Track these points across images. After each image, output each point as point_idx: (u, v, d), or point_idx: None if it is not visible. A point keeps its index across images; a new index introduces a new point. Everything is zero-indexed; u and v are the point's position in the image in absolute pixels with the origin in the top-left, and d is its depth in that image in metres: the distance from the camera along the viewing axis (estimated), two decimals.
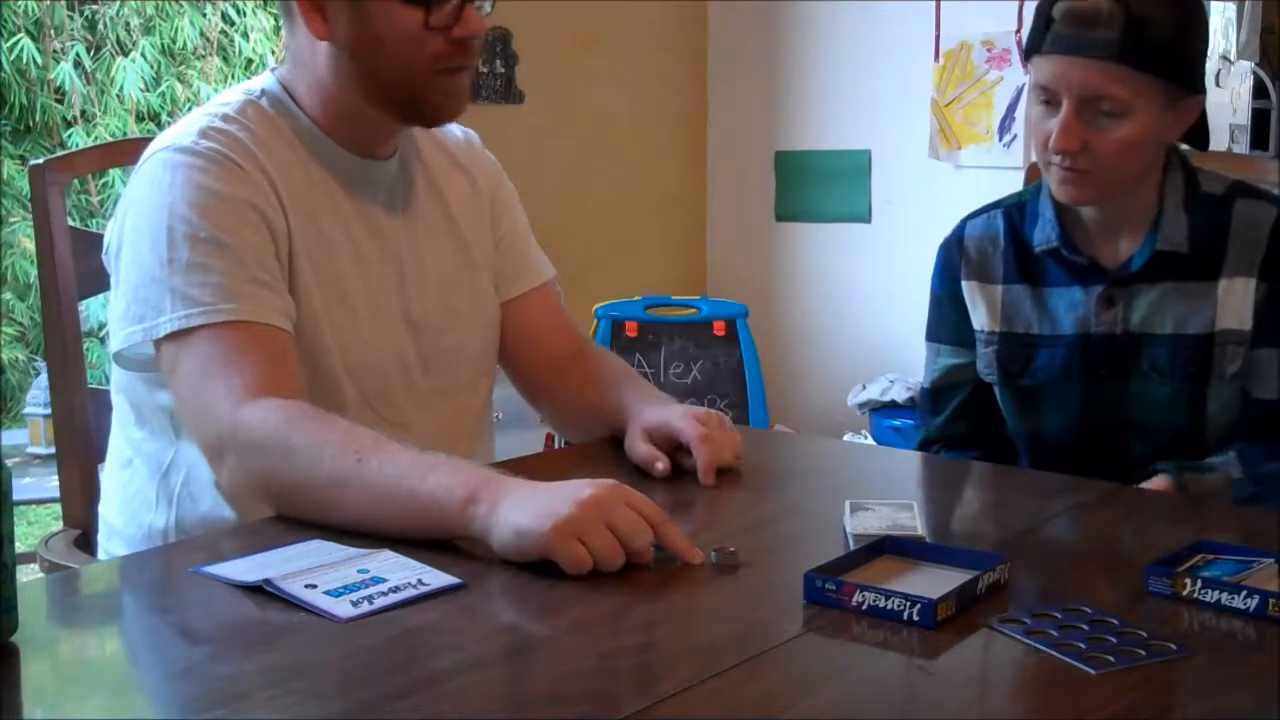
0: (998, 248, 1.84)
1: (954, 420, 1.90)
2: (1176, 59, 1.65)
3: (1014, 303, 1.82)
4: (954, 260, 1.88)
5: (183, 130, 1.52)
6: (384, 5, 1.47)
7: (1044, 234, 1.79)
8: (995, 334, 1.84)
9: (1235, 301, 1.73)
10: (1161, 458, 1.74)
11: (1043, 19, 1.68)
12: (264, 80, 1.60)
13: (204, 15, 4.81)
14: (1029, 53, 1.71)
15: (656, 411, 1.58)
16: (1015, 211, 1.84)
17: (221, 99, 1.59)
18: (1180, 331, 1.74)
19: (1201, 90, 1.71)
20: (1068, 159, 1.67)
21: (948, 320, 1.89)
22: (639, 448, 1.55)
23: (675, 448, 1.55)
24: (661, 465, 1.52)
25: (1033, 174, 2.22)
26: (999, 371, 1.84)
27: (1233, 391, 1.76)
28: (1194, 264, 1.74)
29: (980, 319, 1.85)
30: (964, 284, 1.86)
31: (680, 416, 1.55)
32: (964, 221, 1.90)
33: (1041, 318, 1.80)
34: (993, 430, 1.88)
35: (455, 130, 1.75)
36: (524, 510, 1.18)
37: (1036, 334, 1.81)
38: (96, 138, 4.54)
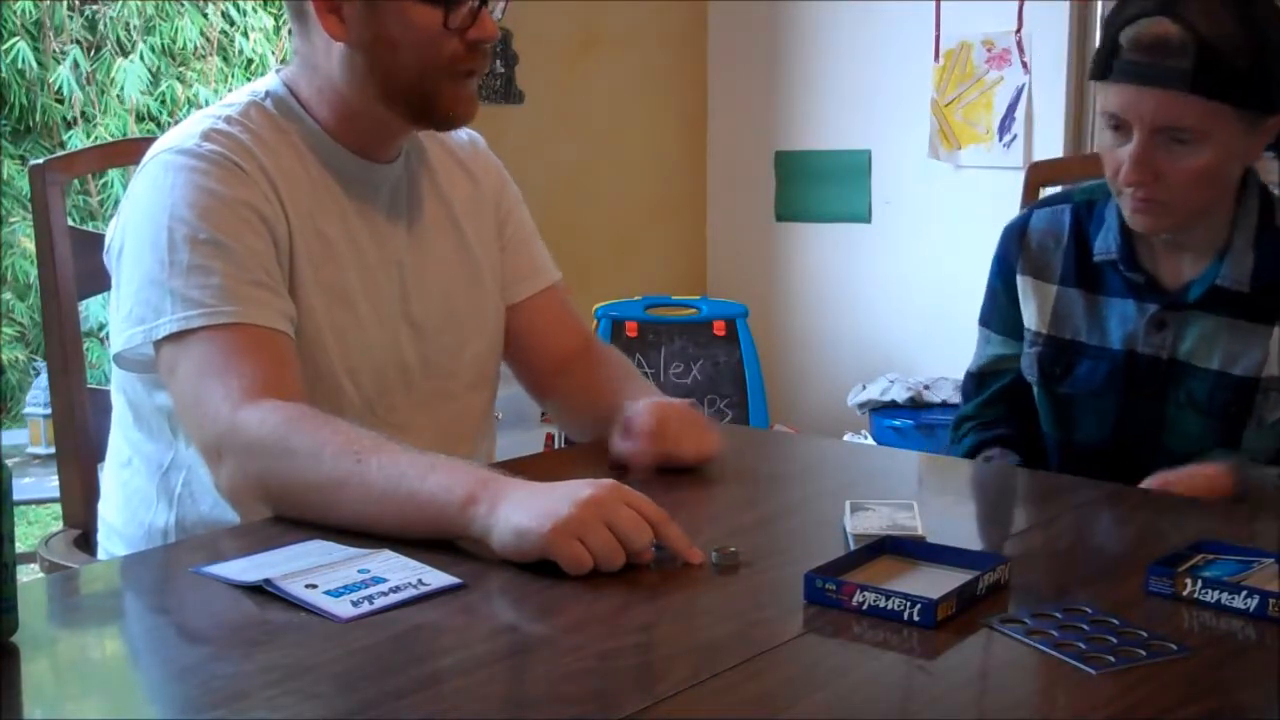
0: (1060, 245, 1.80)
1: (992, 403, 1.88)
2: (1253, 84, 1.59)
3: (1066, 306, 1.79)
4: (1013, 251, 1.84)
5: (185, 132, 1.52)
6: (401, 6, 1.48)
7: (1105, 244, 1.75)
8: (1041, 336, 1.81)
9: None
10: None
11: (1109, 44, 1.62)
12: (269, 82, 1.60)
13: (204, 15, 4.80)
14: (1094, 77, 1.66)
15: (634, 405, 1.57)
16: (1084, 210, 1.80)
17: (226, 100, 1.59)
18: (1226, 369, 1.69)
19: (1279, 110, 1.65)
20: (1141, 189, 1.63)
21: (1001, 309, 1.86)
22: (617, 441, 1.55)
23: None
24: (638, 474, 1.50)
25: (1033, 175, 2.21)
26: (1039, 374, 1.81)
27: (1270, 437, 1.70)
28: (1253, 304, 1.69)
29: (1030, 317, 1.82)
30: (1019, 277, 1.83)
31: (644, 406, 1.55)
32: (1031, 210, 1.86)
33: (1091, 327, 1.77)
34: (1027, 420, 1.86)
35: (460, 133, 1.75)
36: (524, 510, 1.18)
37: (1084, 342, 1.78)
38: (96, 138, 4.54)
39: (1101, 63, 1.64)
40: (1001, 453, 1.83)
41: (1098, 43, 1.68)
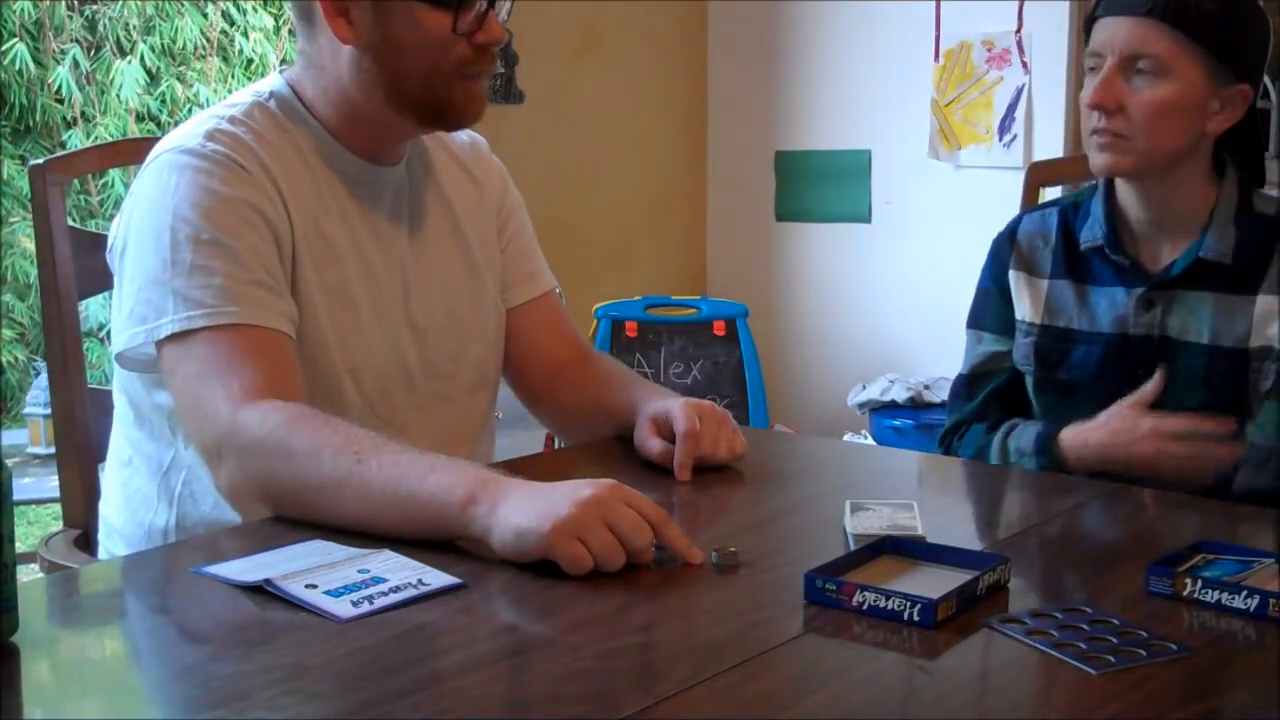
0: (1048, 243, 1.86)
1: (986, 404, 1.90)
2: (1220, 32, 1.67)
3: (1057, 297, 1.84)
4: (1004, 252, 1.90)
5: (189, 132, 1.52)
6: (410, 9, 1.48)
7: (1091, 232, 1.81)
8: (1035, 325, 1.85)
9: (1269, 319, 1.72)
10: None
11: None
12: (272, 82, 1.60)
13: (204, 15, 4.80)
14: (1087, 25, 1.75)
15: (661, 403, 1.59)
16: (1070, 211, 1.86)
17: (230, 100, 1.59)
18: (1216, 343, 1.73)
19: (1250, 80, 1.71)
20: (1103, 119, 1.69)
21: (993, 308, 1.90)
22: (652, 442, 1.56)
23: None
24: (683, 476, 1.51)
25: (1033, 175, 2.23)
26: (1036, 363, 1.84)
27: (1270, 408, 1.73)
28: (1236, 277, 1.73)
29: (1023, 309, 1.86)
30: (1011, 273, 1.88)
31: (679, 406, 1.56)
32: (1020, 216, 1.93)
33: (1081, 313, 1.81)
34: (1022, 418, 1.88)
35: (462, 135, 1.75)
36: (524, 510, 1.18)
37: (1075, 329, 1.82)
38: (96, 138, 4.54)
39: (1092, 7, 1.74)
40: (1023, 423, 1.84)
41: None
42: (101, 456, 1.75)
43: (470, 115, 1.57)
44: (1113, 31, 1.69)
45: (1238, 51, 1.70)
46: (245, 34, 4.87)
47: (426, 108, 1.54)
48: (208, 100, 4.64)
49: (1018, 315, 1.87)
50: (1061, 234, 1.85)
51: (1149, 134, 1.69)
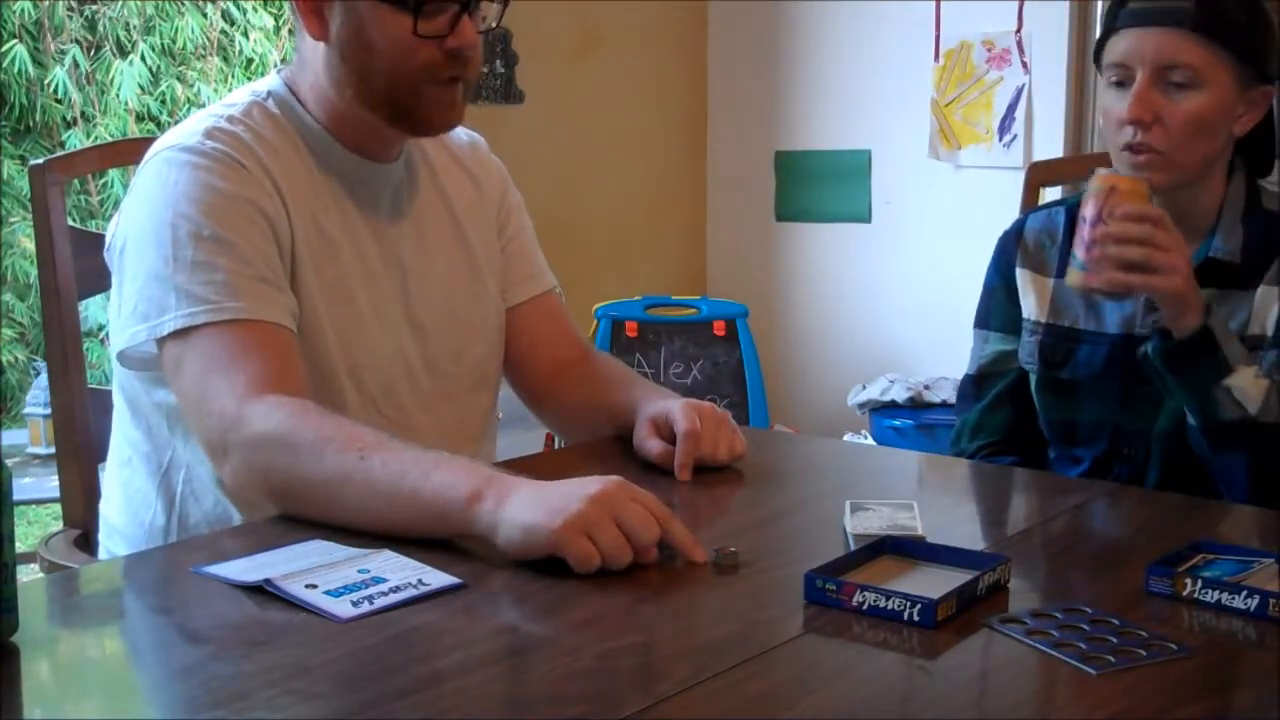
0: (1055, 241, 1.85)
1: (994, 408, 1.89)
2: (1247, 37, 1.67)
3: (1063, 296, 1.83)
4: (1010, 250, 1.89)
5: (188, 130, 1.52)
6: (375, 9, 1.48)
7: None
8: (1041, 324, 1.84)
9: (1267, 309, 1.72)
10: (1185, 468, 1.73)
11: (1116, 3, 1.71)
12: (270, 81, 1.60)
13: (204, 15, 4.81)
14: (1104, 37, 1.73)
15: (660, 403, 1.59)
16: (1077, 210, 1.83)
17: (228, 99, 1.59)
18: None
19: (1271, 82, 1.72)
20: (1139, 133, 1.67)
21: (999, 307, 1.90)
22: (651, 443, 1.56)
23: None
24: (684, 476, 1.51)
25: (1033, 175, 2.22)
26: (1040, 362, 1.84)
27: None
28: (1242, 275, 1.73)
29: (1029, 308, 1.86)
30: (1018, 270, 1.87)
31: (679, 407, 1.56)
32: (1026, 214, 1.92)
33: (1088, 313, 1.81)
34: (1030, 425, 1.87)
35: (461, 134, 1.75)
36: (532, 507, 1.18)
37: (1081, 329, 1.81)
38: (96, 138, 4.54)
39: (1110, 18, 1.72)
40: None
41: (1102, 20, 1.77)
42: (102, 456, 1.75)
43: (440, 122, 1.56)
44: (1141, 43, 1.67)
45: (1264, 55, 1.70)
46: (245, 34, 4.87)
47: (394, 109, 1.52)
48: (208, 100, 4.64)
49: (1024, 313, 1.86)
50: (1068, 232, 1.83)
51: (1186, 146, 1.68)
